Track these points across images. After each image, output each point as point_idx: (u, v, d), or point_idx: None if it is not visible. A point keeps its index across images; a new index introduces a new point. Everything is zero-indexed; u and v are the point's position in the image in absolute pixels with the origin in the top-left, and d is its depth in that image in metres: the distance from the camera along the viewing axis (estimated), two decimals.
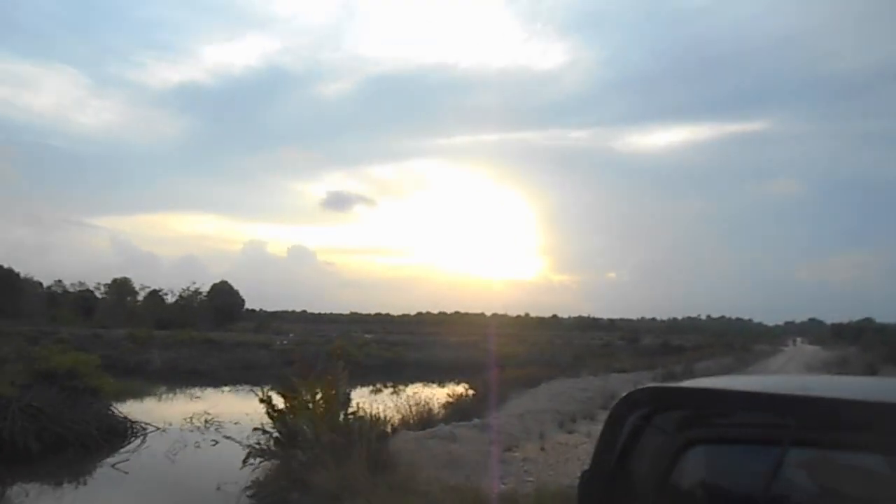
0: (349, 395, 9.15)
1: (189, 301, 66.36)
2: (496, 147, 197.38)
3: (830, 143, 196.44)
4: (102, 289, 74.46)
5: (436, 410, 13.68)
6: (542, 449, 10.05)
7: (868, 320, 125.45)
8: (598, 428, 1.66)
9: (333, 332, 67.44)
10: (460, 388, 18.35)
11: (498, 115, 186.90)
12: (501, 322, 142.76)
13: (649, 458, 1.42)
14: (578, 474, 1.51)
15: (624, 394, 1.44)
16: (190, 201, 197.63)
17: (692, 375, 30.51)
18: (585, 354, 47.26)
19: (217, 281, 76.11)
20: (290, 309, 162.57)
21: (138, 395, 23.50)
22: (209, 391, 27.71)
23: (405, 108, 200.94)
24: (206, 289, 74.56)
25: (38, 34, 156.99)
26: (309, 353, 36.63)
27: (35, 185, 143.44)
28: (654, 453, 1.41)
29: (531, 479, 7.85)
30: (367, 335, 58.70)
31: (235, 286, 76.89)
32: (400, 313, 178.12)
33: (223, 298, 73.79)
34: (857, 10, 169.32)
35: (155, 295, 71.14)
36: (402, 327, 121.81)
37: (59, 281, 74.96)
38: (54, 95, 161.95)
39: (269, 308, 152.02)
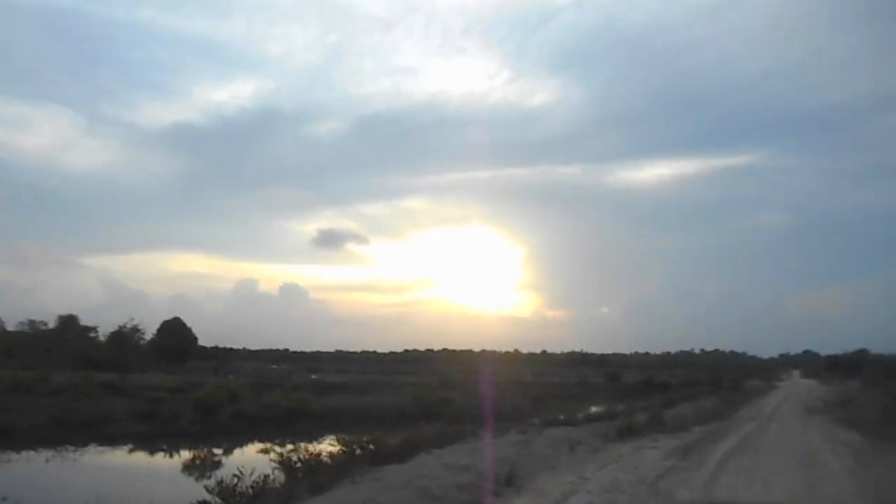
0: None
1: (126, 339, 58.75)
2: (487, 183, 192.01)
3: (814, 177, 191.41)
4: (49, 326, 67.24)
5: None
6: None
7: (863, 351, 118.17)
8: None
9: (293, 372, 60.44)
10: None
11: (488, 152, 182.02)
12: (490, 358, 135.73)
13: None
14: None
15: None
16: (181, 241, 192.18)
17: (659, 426, 23.26)
18: (547, 397, 40.00)
19: (204, 319, 69.14)
20: (278, 347, 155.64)
21: None
22: None
23: (396, 146, 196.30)
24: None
25: (32, 74, 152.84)
26: (176, 403, 29.35)
27: (26, 226, 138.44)
28: None
29: None
30: (314, 375, 51.31)
31: (227, 325, 69.50)
32: (387, 350, 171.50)
33: (174, 336, 66.45)
34: (840, 44, 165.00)
35: (100, 334, 63.43)
36: (381, 366, 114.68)
37: None
38: (48, 136, 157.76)
39: (255, 347, 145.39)
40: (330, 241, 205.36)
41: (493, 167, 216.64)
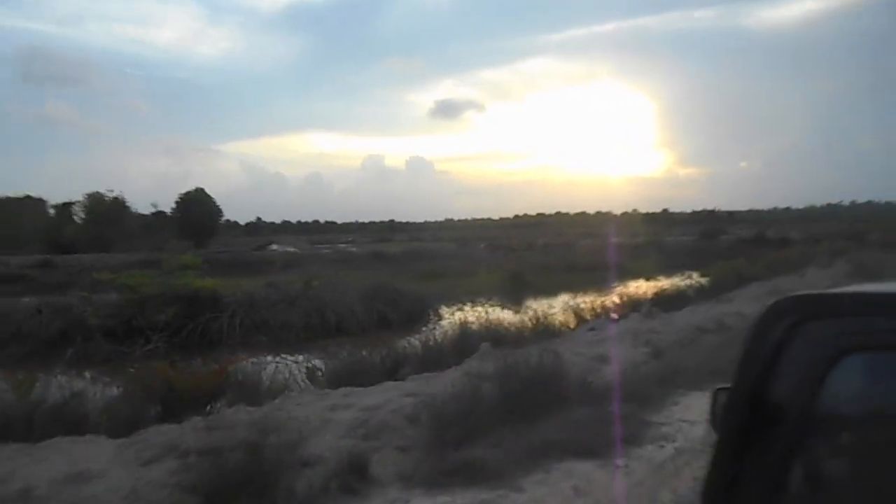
0: None
1: (103, 216, 47.98)
2: (611, 38, 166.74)
3: None
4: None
5: None
6: None
7: None
8: None
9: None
10: None
11: (612, 1, 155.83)
12: (603, 220, 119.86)
13: (797, 370, 1.18)
14: None
15: (770, 303, 1.16)
16: (308, 120, 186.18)
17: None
18: (561, 269, 24.72)
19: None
20: (383, 220, 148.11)
21: None
22: None
23: (512, 4, 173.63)
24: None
25: None
26: None
27: (167, 117, 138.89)
28: (802, 365, 1.17)
29: None
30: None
31: (357, 200, 57.95)
32: (499, 217, 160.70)
33: (194, 211, 56.15)
34: None
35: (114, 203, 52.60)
36: (479, 232, 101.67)
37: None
38: (175, 29, 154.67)
39: (375, 220, 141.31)
40: (447, 111, 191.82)
41: (617, 19, 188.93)
